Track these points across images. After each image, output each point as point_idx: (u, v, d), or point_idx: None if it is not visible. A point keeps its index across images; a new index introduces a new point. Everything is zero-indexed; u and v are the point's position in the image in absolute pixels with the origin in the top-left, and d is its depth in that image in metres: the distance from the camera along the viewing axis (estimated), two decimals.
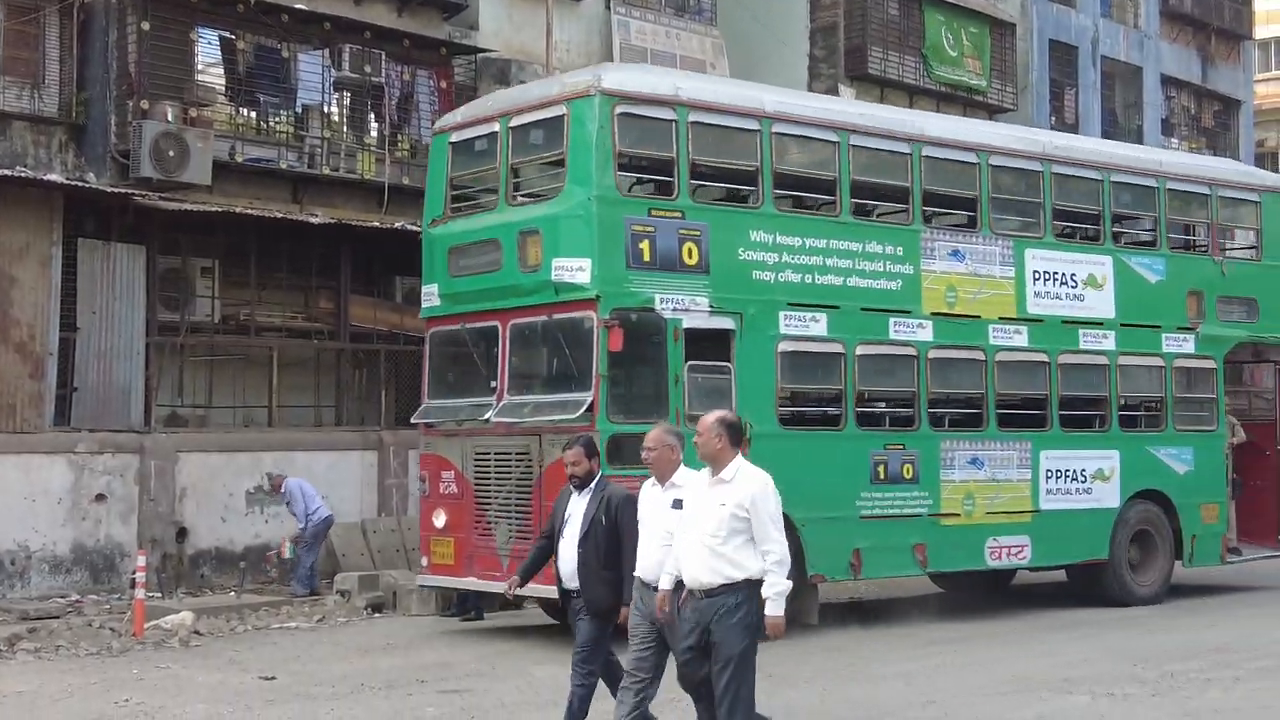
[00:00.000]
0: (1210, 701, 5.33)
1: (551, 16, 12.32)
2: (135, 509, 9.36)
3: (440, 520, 7.40)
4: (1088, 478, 8.93)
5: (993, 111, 16.37)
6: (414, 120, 11.59)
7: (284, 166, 10.73)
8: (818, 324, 7.60)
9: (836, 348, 7.71)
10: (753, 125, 7.39)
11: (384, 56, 11.00)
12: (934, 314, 8.22)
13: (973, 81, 16.52)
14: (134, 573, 8.02)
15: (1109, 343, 9.17)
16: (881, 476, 7.83)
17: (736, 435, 3.38)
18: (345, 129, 11.32)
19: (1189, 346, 9.62)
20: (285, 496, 9.29)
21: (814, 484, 7.25)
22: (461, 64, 12.22)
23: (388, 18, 11.37)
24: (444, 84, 11.71)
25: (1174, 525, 9.41)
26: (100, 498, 9.24)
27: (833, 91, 14.68)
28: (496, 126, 7.36)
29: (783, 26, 15.55)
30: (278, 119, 11.02)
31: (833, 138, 7.83)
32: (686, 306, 6.86)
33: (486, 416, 6.96)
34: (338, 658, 6.90)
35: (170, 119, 9.52)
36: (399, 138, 11.59)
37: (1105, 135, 17.31)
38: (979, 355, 8.47)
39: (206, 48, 10.61)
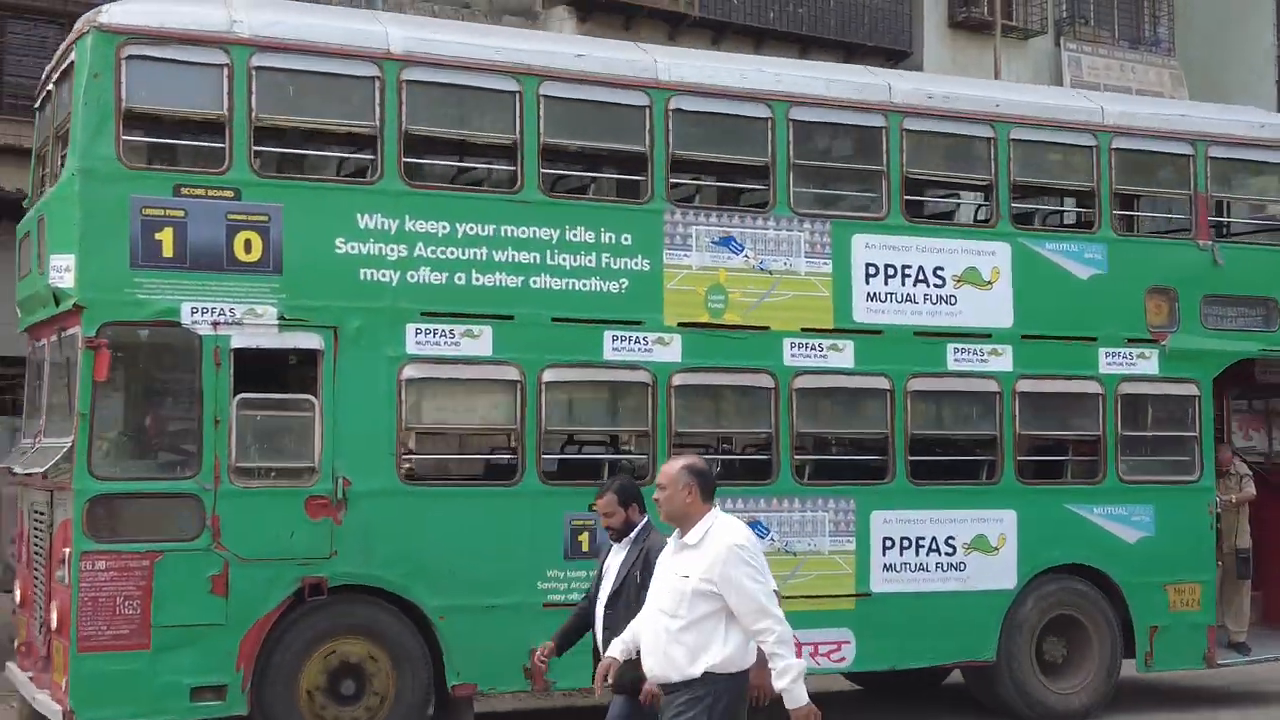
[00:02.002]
0: None
1: (999, 56, 13.27)
2: None
3: (17, 594, 6.01)
4: (957, 548, 6.48)
5: None
6: None
7: None
8: (477, 340, 5.62)
9: (509, 373, 5.68)
10: (369, 70, 5.42)
11: None
12: (684, 325, 6.04)
13: None
14: None
15: (1001, 362, 6.65)
16: (585, 548, 5.70)
17: (709, 486, 2.98)
18: None
19: (1148, 365, 7.02)
20: None
21: (463, 559, 5.50)
22: None
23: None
24: None
25: (1121, 613, 6.98)
26: None
27: None
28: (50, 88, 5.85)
29: (1245, 50, 15.18)
30: None
31: (511, 85, 5.72)
32: (238, 319, 5.01)
33: (6, 464, 5.56)
34: None
35: None
36: None
37: None
38: (765, 381, 6.19)
39: None
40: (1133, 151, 7.34)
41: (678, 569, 2.84)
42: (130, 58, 4.97)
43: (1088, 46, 14.93)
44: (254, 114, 5.23)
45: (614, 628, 3.35)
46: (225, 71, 5.17)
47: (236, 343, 5.07)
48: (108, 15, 5.03)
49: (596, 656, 3.48)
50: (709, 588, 2.74)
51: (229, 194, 5.20)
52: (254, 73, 5.21)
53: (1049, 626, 6.85)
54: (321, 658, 5.32)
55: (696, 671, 2.83)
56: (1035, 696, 6.70)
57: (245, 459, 5.14)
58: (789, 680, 2.73)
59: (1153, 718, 7.38)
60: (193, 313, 4.94)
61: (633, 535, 3.53)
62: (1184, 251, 7.36)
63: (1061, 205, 7.65)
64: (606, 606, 3.51)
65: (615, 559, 3.57)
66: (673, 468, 2.98)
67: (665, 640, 2.83)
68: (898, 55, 13.75)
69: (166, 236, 4.95)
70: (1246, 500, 7.52)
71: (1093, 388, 6.97)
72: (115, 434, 5.15)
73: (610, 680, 3.18)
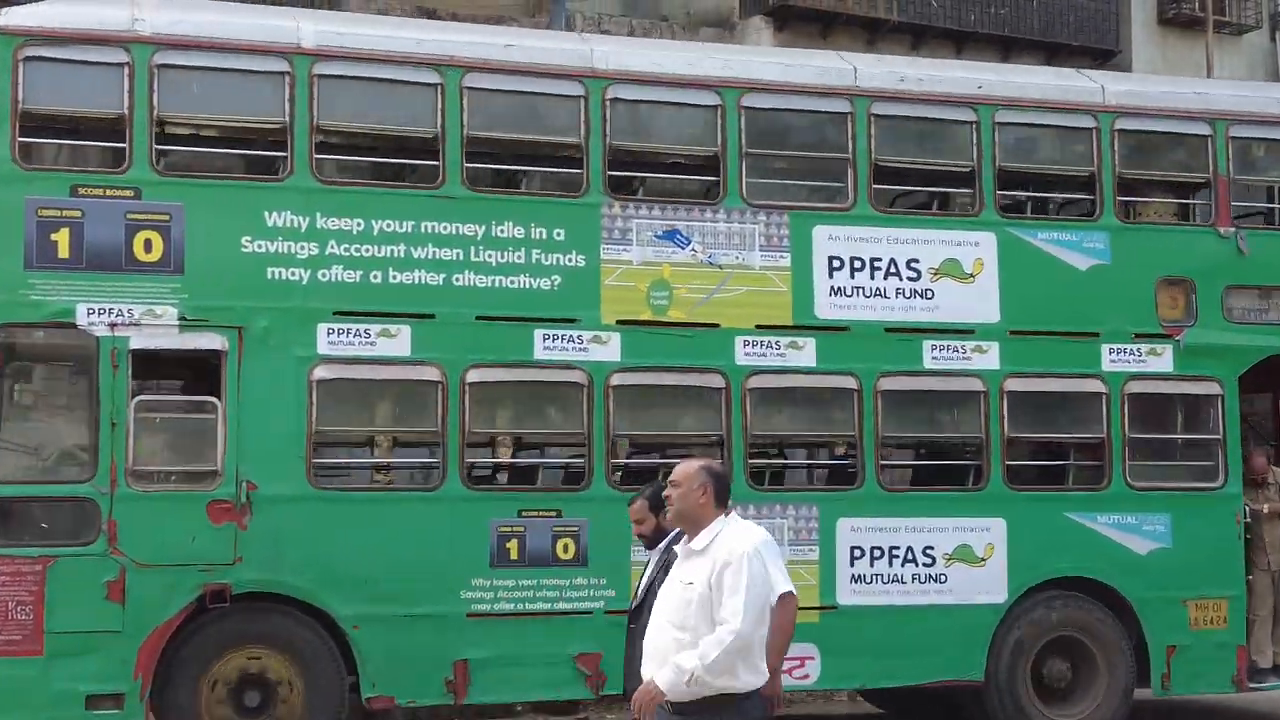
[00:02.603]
0: None
1: (1211, 52, 13.12)
2: None
3: None
4: (937, 559, 6.01)
5: None
6: None
7: None
8: (394, 340, 5.38)
9: (429, 374, 5.42)
10: (278, 66, 5.29)
11: None
12: (623, 322, 5.74)
13: None
14: None
15: (986, 360, 6.15)
16: (514, 556, 5.44)
17: (724, 490, 2.86)
18: None
19: (1160, 363, 6.44)
20: None
21: (380, 567, 5.28)
22: None
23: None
24: None
25: (1134, 631, 6.37)
26: None
27: None
28: None
29: None
30: None
31: (431, 78, 5.50)
32: (137, 320, 4.89)
33: None
34: None
35: None
36: None
37: None
38: (715, 381, 5.83)
39: None
40: (1141, 133, 6.80)
41: (683, 576, 2.73)
42: (28, 59, 4.91)
43: None
44: (155, 113, 5.14)
45: (634, 642, 3.20)
46: (126, 70, 5.09)
47: (135, 344, 4.95)
48: (5, 18, 5.01)
49: (629, 673, 3.40)
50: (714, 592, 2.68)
51: (128, 194, 5.10)
52: (156, 71, 5.12)
53: (1051, 647, 6.26)
54: (225, 667, 5.14)
55: (715, 686, 2.66)
56: None
57: (144, 462, 5.01)
58: (672, 670, 2.56)
59: None
60: (89, 313, 4.84)
61: (663, 544, 3.42)
62: (1202, 239, 6.71)
63: (1059, 192, 7.06)
64: (630, 620, 3.42)
65: (649, 571, 3.51)
66: (690, 467, 2.87)
67: (672, 653, 2.65)
68: (1104, 55, 13.55)
69: (63, 237, 4.86)
70: None
71: (1095, 386, 6.37)
72: (9, 436, 5.07)
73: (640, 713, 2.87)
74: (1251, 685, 6.65)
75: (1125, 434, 6.40)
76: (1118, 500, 6.40)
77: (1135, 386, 6.47)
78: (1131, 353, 6.49)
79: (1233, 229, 6.70)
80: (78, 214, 4.91)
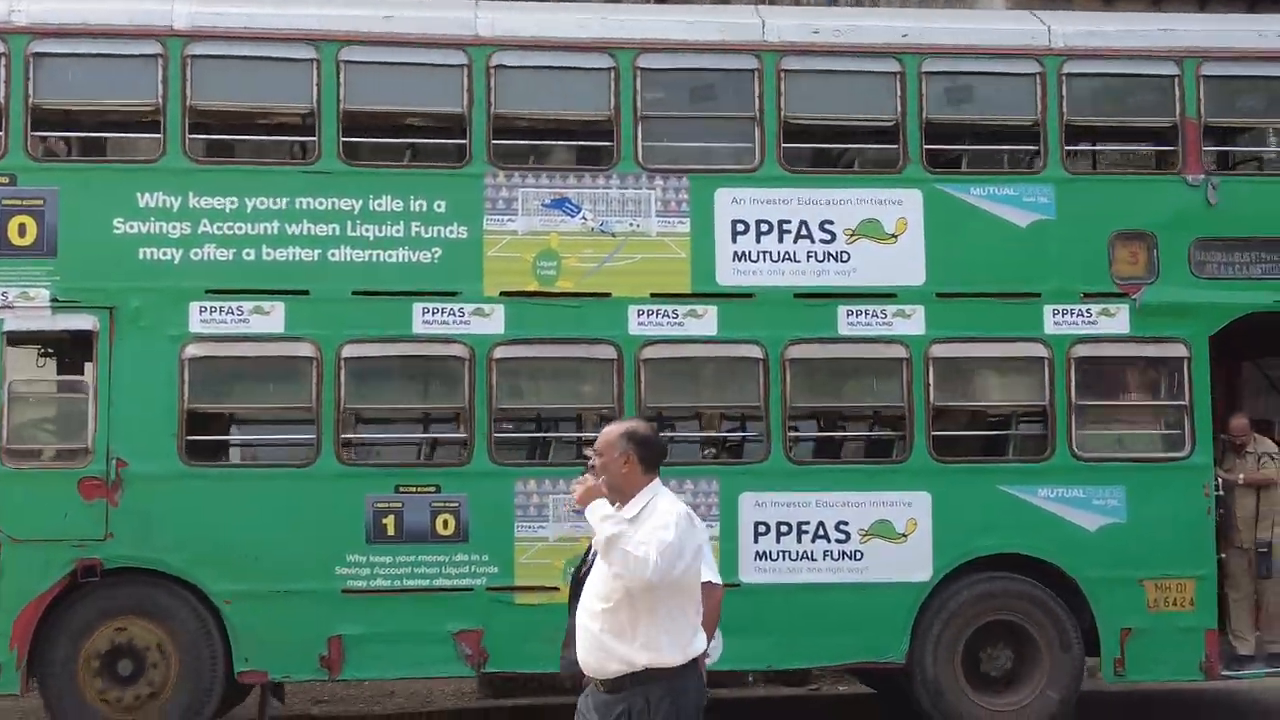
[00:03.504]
0: None
1: None
2: None
3: None
4: (852, 535, 5.79)
5: None
6: None
7: None
8: (268, 317, 5.42)
9: (303, 349, 5.45)
10: (151, 49, 5.41)
11: None
12: (507, 294, 5.65)
13: None
14: None
15: (910, 325, 5.87)
16: (390, 532, 5.45)
17: (652, 456, 2.75)
18: None
19: (1115, 324, 6.05)
20: None
21: (253, 544, 5.42)
22: None
23: None
24: None
25: (1085, 615, 6.08)
26: None
27: None
28: None
29: None
30: None
31: (307, 53, 5.54)
32: (9, 302, 5.10)
33: None
34: None
35: None
36: None
37: None
38: (607, 353, 5.71)
39: None
40: (1094, 75, 6.39)
41: None
42: None
43: None
44: (30, 100, 5.31)
45: (573, 613, 3.12)
46: (2, 61, 5.29)
47: (9, 326, 5.19)
48: None
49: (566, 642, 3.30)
50: None
51: (4, 180, 5.31)
52: (31, 59, 5.29)
53: (988, 630, 5.96)
54: (98, 638, 5.35)
55: (640, 661, 2.62)
56: (956, 711, 5.80)
57: (18, 441, 5.26)
58: (608, 526, 2.52)
59: None
60: None
61: None
62: (1166, 188, 6.20)
63: (1000, 144, 6.64)
64: (572, 589, 3.27)
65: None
66: (612, 433, 2.76)
67: (597, 630, 2.63)
68: None
69: None
70: (1266, 483, 6.24)
71: (1036, 351, 5.96)
72: None
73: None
74: (1227, 673, 6.16)
75: (1071, 401, 5.97)
76: (1062, 472, 5.99)
77: (1083, 350, 6.03)
78: (1080, 314, 6.06)
79: (1202, 176, 6.14)
80: None
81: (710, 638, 3.11)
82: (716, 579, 3.14)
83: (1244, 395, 7.82)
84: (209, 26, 5.55)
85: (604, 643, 2.62)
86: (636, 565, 2.46)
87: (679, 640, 2.65)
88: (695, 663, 2.73)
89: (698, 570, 2.75)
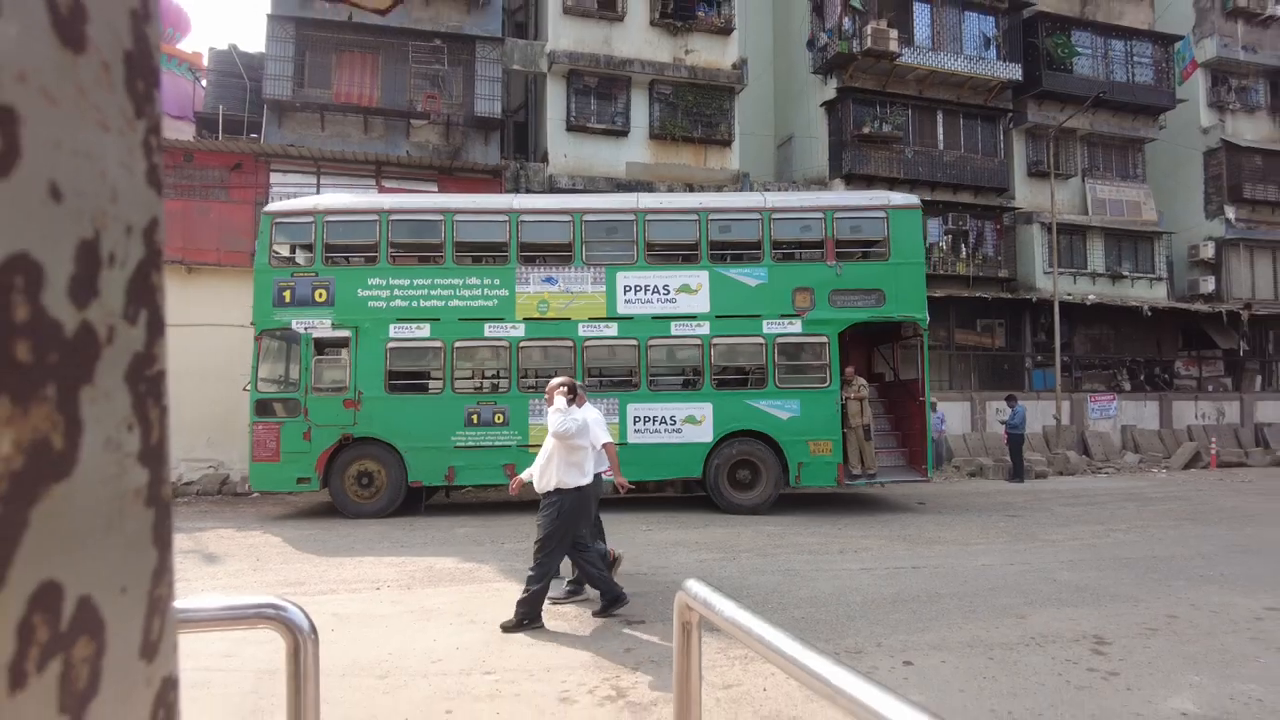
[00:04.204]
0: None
1: (1053, 186, 21.45)
2: None
3: None
4: (677, 422, 11.61)
5: None
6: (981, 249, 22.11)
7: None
8: (422, 330, 11.89)
9: (437, 344, 11.62)
10: (373, 218, 12.27)
11: (969, 216, 21.98)
12: (526, 318, 11.55)
13: None
14: None
15: (703, 329, 11.73)
16: (475, 422, 11.54)
17: (571, 389, 5.57)
18: (948, 252, 21.62)
19: (795, 328, 11.93)
20: None
21: (416, 425, 11.37)
22: (1008, 216, 22.80)
23: (969, 198, 22.10)
24: (998, 227, 22.41)
25: (781, 456, 11.64)
26: None
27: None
28: None
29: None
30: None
31: (437, 217, 12.62)
32: (315, 326, 11.64)
33: None
34: None
35: None
36: (975, 255, 22.10)
37: None
38: (569, 344, 11.59)
39: None
40: (786, 219, 12.47)
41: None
42: None
43: (1100, 182, 24.38)
44: (324, 240, 11.86)
45: None
46: (316, 224, 12.04)
47: (316, 334, 11.42)
48: None
49: None
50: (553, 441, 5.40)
51: (315, 274, 11.68)
52: (325, 226, 11.95)
53: (738, 463, 11.83)
54: (354, 467, 11.30)
55: (550, 487, 5.35)
56: (727, 499, 11.61)
57: (318, 383, 11.45)
58: (551, 415, 5.54)
59: (625, 509, 11.98)
60: None
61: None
62: (819, 268, 11.93)
63: (743, 249, 12.14)
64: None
65: None
66: (553, 381, 5.57)
67: (537, 468, 5.44)
68: (1002, 191, 23.53)
69: None
70: (861, 398, 12.45)
71: (759, 341, 11.75)
72: None
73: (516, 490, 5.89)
74: (848, 482, 12.15)
75: (775, 363, 12.08)
76: (772, 394, 11.86)
77: (781, 340, 12.01)
78: (778, 324, 12.07)
79: (835, 263, 12.40)
80: None
81: (612, 470, 6.30)
82: (608, 439, 6.11)
83: (859, 358, 14.25)
84: (400, 207, 12.20)
85: (541, 471, 5.25)
86: (558, 429, 5.18)
87: (577, 473, 5.19)
88: (585, 487, 5.38)
89: (589, 440, 5.45)
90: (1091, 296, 22.71)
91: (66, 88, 0.44)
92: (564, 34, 18.79)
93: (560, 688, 4.37)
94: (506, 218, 11.83)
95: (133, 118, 0.51)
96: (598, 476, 5.96)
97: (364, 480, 11.23)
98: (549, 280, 11.86)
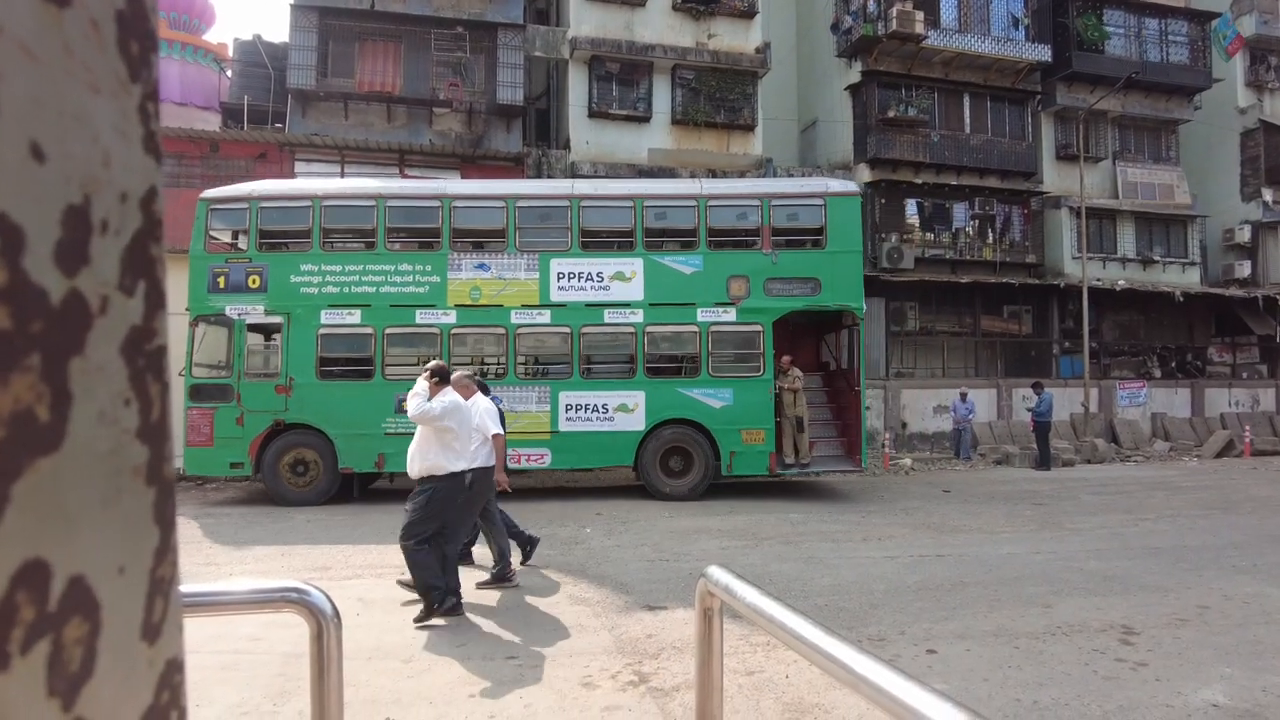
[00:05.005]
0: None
1: (1083, 170, 20.67)
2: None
3: None
4: (610, 410, 11.38)
5: None
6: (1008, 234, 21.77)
7: (946, 257, 20.86)
8: (353, 316, 11.43)
9: (368, 330, 11.39)
10: (307, 204, 11.59)
11: (995, 201, 21.45)
12: (458, 305, 11.36)
13: None
14: (883, 443, 17.02)
15: (637, 317, 11.50)
16: (403, 409, 11.14)
17: (441, 376, 5.45)
18: (975, 237, 21.30)
19: (729, 316, 11.67)
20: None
21: (347, 412, 11.20)
22: (1036, 201, 22.28)
23: (996, 183, 21.67)
24: (1025, 212, 21.93)
25: (714, 444, 11.45)
26: (866, 408, 17.14)
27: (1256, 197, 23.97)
28: None
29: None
30: (943, 236, 20.94)
31: (370, 202, 11.75)
32: (248, 312, 11.40)
33: None
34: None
35: (894, 242, 20.04)
36: (1002, 241, 21.95)
37: None
38: (501, 331, 11.39)
39: (909, 208, 20.82)
40: (722, 207, 12.00)
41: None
42: None
43: (1128, 163, 23.80)
44: (260, 228, 11.37)
45: None
46: (249, 212, 11.48)
47: (250, 320, 11.22)
48: None
49: None
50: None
51: (249, 261, 11.27)
52: (260, 213, 11.41)
53: (671, 451, 11.61)
54: (289, 455, 11.06)
55: (423, 473, 5.20)
56: (659, 487, 11.45)
57: (250, 369, 11.30)
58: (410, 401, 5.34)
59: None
60: None
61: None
62: (755, 256, 11.76)
63: (679, 236, 11.92)
64: None
65: None
66: (426, 369, 5.46)
67: (412, 451, 5.29)
68: (1028, 175, 22.93)
69: None
70: (794, 389, 12.07)
71: (693, 329, 11.59)
72: None
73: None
74: (780, 471, 11.90)
75: (710, 351, 11.74)
76: (705, 383, 11.52)
77: (715, 328, 11.72)
78: (713, 312, 11.74)
79: (771, 251, 11.97)
80: None
81: (501, 461, 6.06)
82: (499, 430, 6.05)
83: (808, 347, 13.98)
84: (332, 193, 11.77)
85: (413, 458, 5.18)
86: (413, 413, 5.14)
87: (448, 460, 5.03)
88: (457, 475, 5.18)
89: (456, 425, 5.20)
90: (1121, 282, 22.34)
91: (49, 44, 0.42)
92: (586, 19, 18.66)
93: (583, 672, 4.39)
94: (439, 204, 11.56)
95: (126, 81, 0.49)
96: (488, 470, 5.93)
97: (299, 468, 11.15)
98: (482, 267, 11.59)
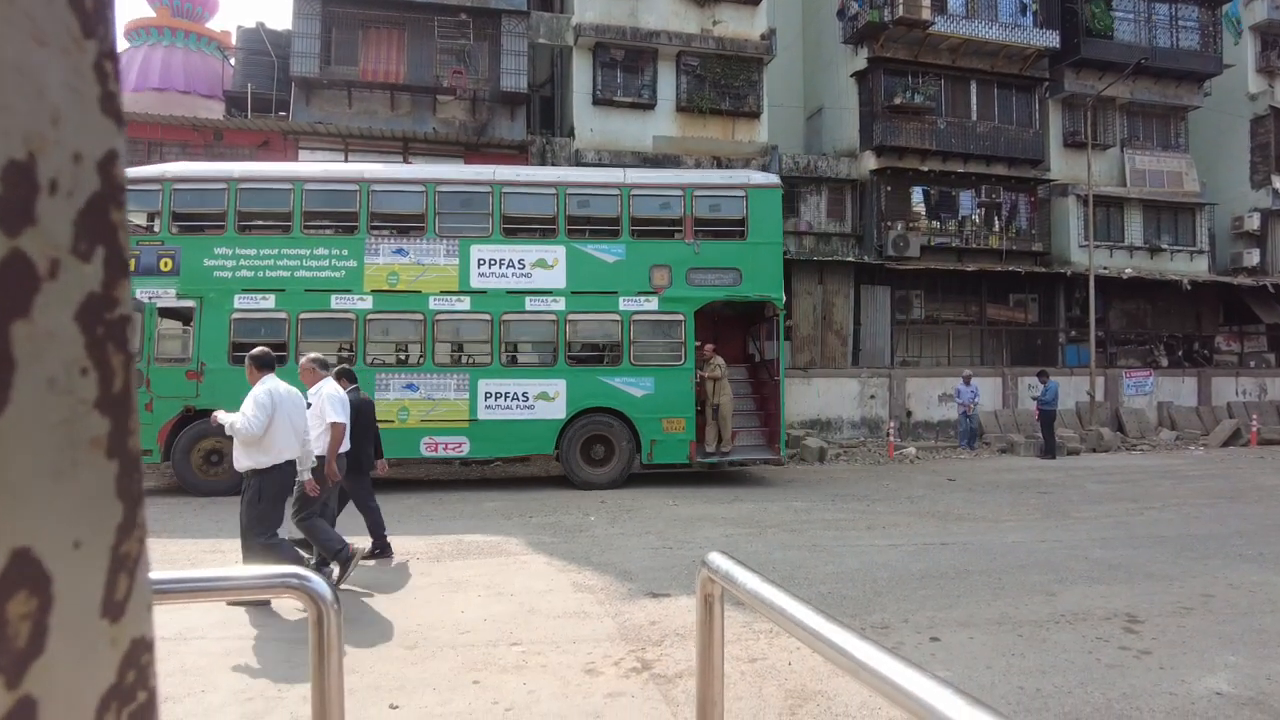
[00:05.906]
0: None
1: (1090, 157, 20.72)
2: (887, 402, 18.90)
3: None
4: (530, 398, 11.24)
5: None
6: (1014, 222, 21.57)
7: (952, 245, 20.65)
8: (267, 301, 11.13)
9: (282, 315, 11.11)
10: (221, 186, 11.31)
11: (1002, 189, 21.24)
12: (375, 290, 11.09)
13: None
14: (887, 431, 17.35)
15: (559, 305, 11.37)
16: None
17: (263, 363, 5.38)
18: (981, 225, 21.15)
19: (651, 305, 11.62)
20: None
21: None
22: (1043, 189, 22.07)
23: (1003, 170, 21.38)
24: (1032, 200, 21.78)
25: (634, 433, 11.40)
26: (871, 396, 18.76)
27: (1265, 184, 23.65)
28: None
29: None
30: (949, 224, 20.84)
31: (286, 186, 11.48)
32: (159, 296, 11.02)
33: None
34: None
35: (900, 230, 19.92)
36: (1009, 229, 21.50)
37: None
38: (419, 318, 11.12)
39: (915, 196, 20.66)
40: (646, 196, 11.88)
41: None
42: None
43: (1139, 152, 23.53)
44: (172, 210, 11.04)
45: None
46: (163, 193, 11.03)
47: (160, 304, 10.87)
48: None
49: None
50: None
51: (161, 244, 10.86)
52: (174, 193, 11.06)
53: (592, 439, 11.43)
54: (203, 444, 10.66)
55: (247, 466, 5.12)
56: (580, 475, 11.35)
57: (161, 354, 10.98)
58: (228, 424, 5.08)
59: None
60: None
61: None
62: (678, 246, 11.70)
63: (603, 225, 11.79)
64: None
65: None
66: (250, 356, 5.39)
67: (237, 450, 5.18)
68: (1035, 163, 22.47)
69: None
70: (715, 378, 11.95)
71: (615, 317, 11.47)
72: None
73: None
74: (700, 459, 11.73)
75: (631, 340, 11.55)
76: (626, 371, 11.45)
77: (637, 318, 11.55)
78: (635, 301, 11.58)
79: (693, 241, 11.82)
80: None
81: (335, 450, 5.77)
82: (338, 419, 5.83)
83: (736, 338, 13.90)
84: (248, 175, 11.44)
85: (237, 455, 5.11)
86: (243, 438, 5.04)
87: (267, 454, 5.00)
88: (282, 466, 5.10)
89: (285, 420, 5.18)
90: (1128, 270, 22.17)
91: None
92: (590, 6, 18.53)
93: (586, 659, 4.39)
94: (357, 187, 11.35)
95: (80, 36, 0.46)
96: (343, 456, 5.99)
97: (213, 458, 10.81)
98: (400, 252, 11.38)
